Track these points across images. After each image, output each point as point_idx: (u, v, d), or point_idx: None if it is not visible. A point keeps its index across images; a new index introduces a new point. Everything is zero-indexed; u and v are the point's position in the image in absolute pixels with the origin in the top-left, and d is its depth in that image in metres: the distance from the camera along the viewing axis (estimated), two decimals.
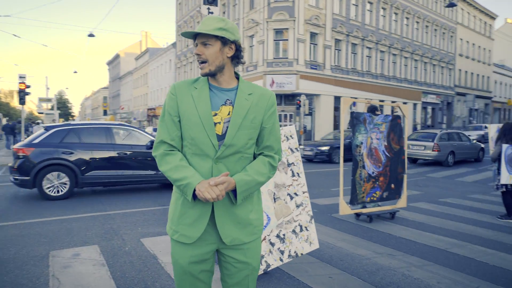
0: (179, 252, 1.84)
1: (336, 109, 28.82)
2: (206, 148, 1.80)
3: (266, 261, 3.56)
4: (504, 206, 6.22)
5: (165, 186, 9.32)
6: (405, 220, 6.13)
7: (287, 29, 25.66)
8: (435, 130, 17.61)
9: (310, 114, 26.62)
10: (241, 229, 1.83)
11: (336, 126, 28.41)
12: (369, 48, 31.08)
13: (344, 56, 28.97)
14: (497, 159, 6.19)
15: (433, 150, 14.24)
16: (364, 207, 6.09)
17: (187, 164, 1.84)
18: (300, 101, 23.57)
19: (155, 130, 35.18)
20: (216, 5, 12.37)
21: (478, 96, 42.44)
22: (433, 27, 37.70)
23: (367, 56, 31.00)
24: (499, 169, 6.16)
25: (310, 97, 26.00)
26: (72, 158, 7.53)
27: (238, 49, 1.85)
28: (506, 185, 6.10)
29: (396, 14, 33.39)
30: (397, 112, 6.78)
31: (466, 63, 42.76)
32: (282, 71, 25.48)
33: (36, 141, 7.51)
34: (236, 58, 1.86)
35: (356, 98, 11.90)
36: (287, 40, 25.74)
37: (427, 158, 14.59)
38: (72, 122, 8.44)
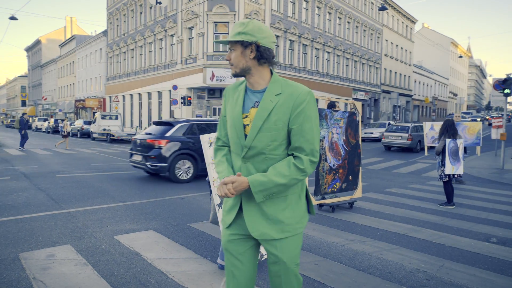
0: (222, 231, 2.07)
1: None
2: (236, 148, 1.95)
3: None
4: (445, 194, 6.96)
5: (124, 181, 9.00)
6: (362, 209, 6.61)
7: (227, 22, 25.66)
8: (406, 123, 20.84)
9: None
10: (270, 225, 1.91)
11: None
12: (305, 45, 32.17)
13: (282, 52, 29.69)
14: (440, 152, 6.90)
15: (407, 140, 18.36)
16: (323, 198, 6.45)
17: (225, 160, 2.02)
18: None
19: (86, 123, 33.21)
20: None
21: (401, 94, 45.91)
22: (362, 28, 40.00)
23: (303, 53, 32.07)
24: (443, 161, 6.88)
25: None
26: (194, 148, 9.28)
27: (258, 50, 1.89)
28: (448, 175, 6.83)
29: (329, 13, 34.90)
30: (353, 108, 7.25)
31: (390, 63, 46.03)
32: (223, 65, 25.45)
33: (168, 134, 9.24)
34: (262, 58, 1.90)
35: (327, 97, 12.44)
36: (227, 33, 25.73)
37: (403, 145, 18.66)
38: (191, 118, 10.43)
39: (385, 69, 45.20)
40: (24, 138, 18.88)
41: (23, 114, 21.11)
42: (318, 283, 3.48)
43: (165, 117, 30.84)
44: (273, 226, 1.91)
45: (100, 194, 7.53)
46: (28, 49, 77.98)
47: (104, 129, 27.75)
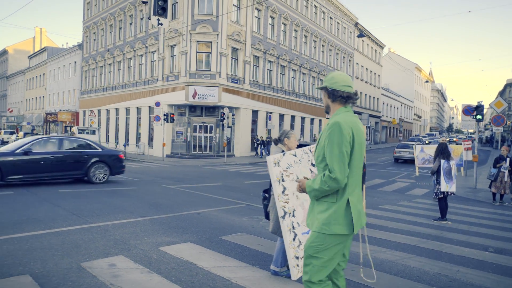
0: None
1: (254, 122, 30.21)
2: None
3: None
4: (440, 210, 7.74)
5: (128, 196, 9.22)
6: (368, 224, 7.24)
7: (210, 42, 26.28)
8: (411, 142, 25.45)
9: (230, 126, 27.40)
10: (312, 219, 2.66)
11: (253, 138, 29.75)
12: (283, 66, 33.29)
13: (261, 72, 30.59)
14: (435, 172, 7.70)
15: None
16: None
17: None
18: (224, 113, 24.32)
19: (75, 137, 32.48)
20: (166, 17, 12.46)
21: (370, 115, 47.89)
22: (335, 51, 41.81)
23: (281, 73, 33.15)
24: (438, 180, 7.67)
25: (231, 109, 26.89)
26: None
27: (328, 92, 2.71)
28: (443, 192, 7.62)
29: (306, 36, 36.35)
30: None
31: (361, 85, 48.07)
32: (205, 83, 25.96)
33: None
34: (331, 97, 2.69)
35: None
36: (210, 53, 26.35)
37: (410, 158, 23.68)
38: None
39: (356, 90, 46.95)
40: None
41: None
42: (362, 285, 4.02)
43: (144, 133, 30.80)
44: (313, 220, 2.63)
45: (116, 209, 7.77)
46: None
47: None
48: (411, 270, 4.58)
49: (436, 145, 8.71)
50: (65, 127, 44.55)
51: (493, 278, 4.41)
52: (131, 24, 32.65)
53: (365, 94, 49.72)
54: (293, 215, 3.91)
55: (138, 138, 31.67)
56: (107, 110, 36.28)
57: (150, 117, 29.82)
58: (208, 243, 5.45)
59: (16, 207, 7.51)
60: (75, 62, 42.95)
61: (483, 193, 12.77)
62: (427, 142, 38.03)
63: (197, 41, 26.17)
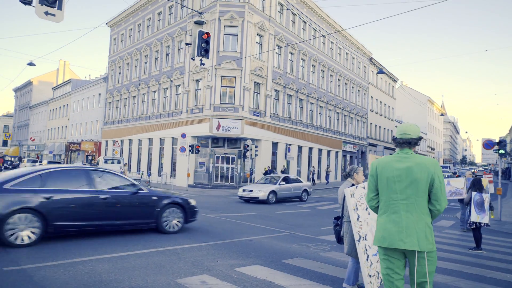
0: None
1: (274, 153, 31.00)
2: None
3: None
4: (474, 240, 8.28)
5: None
6: None
7: (234, 77, 27.55)
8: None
9: (246, 157, 28.01)
10: None
11: (275, 168, 30.43)
12: (301, 99, 34.38)
13: (281, 106, 31.66)
14: (468, 203, 8.30)
15: None
16: None
17: None
18: (248, 145, 25.20)
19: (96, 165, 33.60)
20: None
21: (385, 148, 48.42)
22: (351, 85, 42.98)
23: (299, 106, 34.19)
24: (470, 211, 8.26)
25: (253, 141, 27.79)
26: None
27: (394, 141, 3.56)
28: (475, 223, 8.19)
29: (322, 71, 37.64)
30: None
31: (375, 118, 48.91)
32: (228, 116, 27.03)
33: None
34: (394, 142, 3.55)
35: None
36: (233, 87, 27.57)
37: None
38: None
39: (371, 123, 47.95)
40: None
41: None
42: None
43: (166, 163, 31.71)
44: None
45: (176, 234, 8.45)
46: (17, 90, 78.29)
47: None
48: None
49: (463, 178, 9.34)
50: (87, 156, 45.85)
51: None
52: (156, 59, 34.32)
53: (379, 127, 50.45)
54: (365, 239, 4.59)
55: (160, 168, 32.59)
56: (130, 141, 37.48)
57: (173, 148, 30.84)
58: (274, 265, 6.10)
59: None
60: (99, 94, 44.73)
61: (508, 225, 13.18)
62: (456, 175, 37.41)
63: (222, 76, 27.45)
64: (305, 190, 20.03)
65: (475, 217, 8.19)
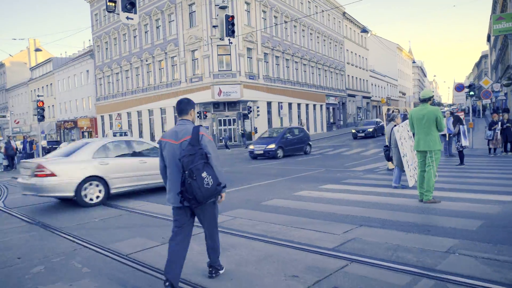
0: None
1: (268, 112, 33.93)
2: None
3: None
4: (460, 158, 11.67)
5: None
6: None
7: (228, 45, 29.68)
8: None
9: (248, 117, 30.64)
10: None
11: (270, 127, 33.46)
12: (287, 59, 36.98)
13: (271, 67, 34.25)
14: (456, 134, 11.65)
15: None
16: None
17: None
18: (250, 107, 28.00)
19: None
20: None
21: (363, 97, 52.20)
22: (328, 41, 45.65)
23: (286, 66, 36.85)
24: (458, 138, 11.62)
25: (250, 103, 30.53)
26: None
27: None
28: (462, 146, 11.56)
29: (303, 31, 40.05)
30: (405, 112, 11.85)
31: (352, 69, 52.15)
32: (228, 82, 29.51)
33: None
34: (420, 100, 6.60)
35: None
36: (229, 54, 29.84)
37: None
38: None
39: (348, 75, 51.21)
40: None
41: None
42: None
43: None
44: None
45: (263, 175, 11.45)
46: None
47: None
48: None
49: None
50: (82, 132, 47.35)
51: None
52: (146, 32, 35.73)
53: (356, 78, 53.86)
54: (406, 155, 7.75)
55: None
56: (128, 113, 39.37)
57: (175, 116, 33.19)
58: (343, 184, 9.24)
59: None
60: (87, 71, 45.63)
61: (479, 150, 16.91)
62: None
63: (218, 45, 29.59)
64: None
65: (464, 142, 11.56)
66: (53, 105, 54.17)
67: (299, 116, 38.75)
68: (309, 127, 39.78)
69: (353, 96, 50.88)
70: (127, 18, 10.98)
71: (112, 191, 8.30)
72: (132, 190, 8.85)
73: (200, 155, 3.18)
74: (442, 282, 3.26)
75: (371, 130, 29.02)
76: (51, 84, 54.14)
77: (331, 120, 46.03)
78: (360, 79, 55.22)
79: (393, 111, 11.84)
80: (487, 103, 41.38)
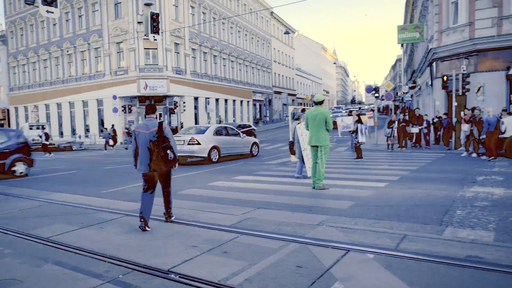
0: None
1: (195, 107, 34.39)
2: None
3: None
4: (357, 153, 13.35)
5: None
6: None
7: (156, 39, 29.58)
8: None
9: (175, 112, 30.94)
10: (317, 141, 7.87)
11: (196, 122, 33.98)
12: (215, 56, 37.66)
13: (198, 63, 34.69)
14: (354, 131, 13.30)
15: None
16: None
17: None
18: (176, 102, 28.29)
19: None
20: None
21: (288, 94, 54.59)
22: (256, 39, 47.11)
23: (214, 62, 37.51)
24: (356, 136, 13.28)
25: (177, 98, 30.77)
26: None
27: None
28: (360, 143, 13.23)
29: (231, 28, 40.97)
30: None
31: (279, 68, 54.27)
32: (154, 76, 29.46)
33: None
34: (314, 103, 7.90)
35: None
36: (156, 48, 29.76)
37: None
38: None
39: (275, 73, 53.26)
40: None
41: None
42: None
43: (93, 124, 33.08)
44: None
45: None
46: None
47: (33, 139, 28.96)
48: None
49: (351, 116, 14.41)
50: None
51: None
52: (67, 21, 34.15)
53: (283, 76, 56.15)
54: (306, 149, 8.97)
55: (86, 130, 33.87)
56: (46, 105, 37.29)
57: (99, 109, 32.34)
58: (253, 175, 10.26)
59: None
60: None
61: (382, 146, 19.16)
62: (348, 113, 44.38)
63: (144, 39, 29.32)
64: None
65: (361, 138, 13.25)
66: None
67: (226, 112, 39.69)
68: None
69: (280, 93, 53.04)
70: (47, 11, 11.20)
71: (222, 155, 14.25)
72: (229, 154, 14.88)
73: (164, 139, 5.03)
74: (305, 245, 4.31)
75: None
76: None
77: (258, 116, 47.64)
78: (286, 77, 57.61)
79: (302, 110, 13.17)
80: (400, 104, 45.65)
